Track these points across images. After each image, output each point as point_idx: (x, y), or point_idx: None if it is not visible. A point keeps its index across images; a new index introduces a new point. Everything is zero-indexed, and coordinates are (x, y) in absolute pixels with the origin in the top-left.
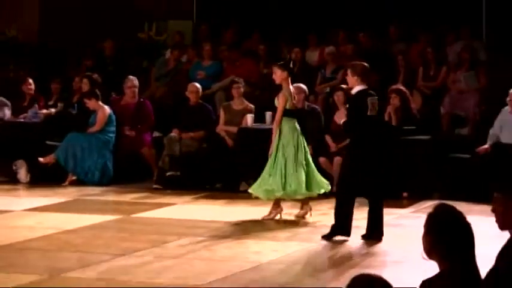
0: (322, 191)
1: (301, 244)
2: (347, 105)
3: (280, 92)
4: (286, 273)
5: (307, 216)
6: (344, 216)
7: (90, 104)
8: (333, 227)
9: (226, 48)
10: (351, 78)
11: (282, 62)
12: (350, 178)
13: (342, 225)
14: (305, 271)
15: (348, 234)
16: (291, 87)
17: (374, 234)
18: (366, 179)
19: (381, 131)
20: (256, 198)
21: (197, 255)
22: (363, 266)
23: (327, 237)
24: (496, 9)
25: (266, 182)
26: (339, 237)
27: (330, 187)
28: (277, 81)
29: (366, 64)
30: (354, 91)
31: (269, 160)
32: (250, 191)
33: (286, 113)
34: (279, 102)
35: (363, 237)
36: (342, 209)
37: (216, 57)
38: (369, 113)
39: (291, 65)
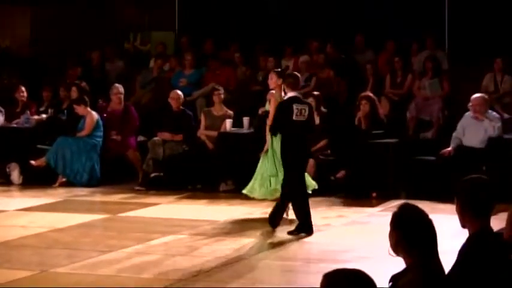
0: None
1: (277, 241)
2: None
3: (272, 97)
4: (261, 268)
5: (284, 215)
6: (304, 215)
7: (79, 109)
8: (298, 225)
9: (207, 58)
10: (285, 87)
11: (279, 70)
12: (291, 178)
13: (305, 224)
14: (279, 266)
15: (311, 231)
16: (282, 93)
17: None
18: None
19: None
20: (253, 198)
21: (179, 252)
22: (335, 261)
23: (291, 232)
24: (457, 22)
25: (267, 183)
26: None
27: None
28: (272, 86)
29: (297, 74)
30: (286, 97)
31: (264, 162)
32: (246, 192)
33: None
34: (271, 106)
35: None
36: (299, 209)
37: (197, 65)
38: (294, 118)
39: (286, 73)
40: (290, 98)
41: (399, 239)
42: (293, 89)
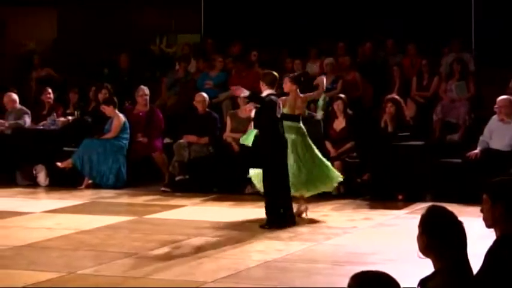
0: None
1: (303, 244)
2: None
3: (281, 101)
4: (287, 270)
5: (304, 215)
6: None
7: (107, 110)
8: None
9: (232, 60)
10: (262, 85)
11: (293, 76)
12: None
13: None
14: (306, 268)
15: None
16: (301, 95)
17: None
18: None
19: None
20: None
21: (205, 254)
22: (361, 263)
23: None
24: (484, 25)
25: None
26: (335, 236)
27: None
28: (286, 91)
29: (274, 73)
30: (263, 95)
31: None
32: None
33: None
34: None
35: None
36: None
37: (223, 68)
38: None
39: (302, 79)
40: (268, 95)
41: (429, 242)
42: (270, 87)
